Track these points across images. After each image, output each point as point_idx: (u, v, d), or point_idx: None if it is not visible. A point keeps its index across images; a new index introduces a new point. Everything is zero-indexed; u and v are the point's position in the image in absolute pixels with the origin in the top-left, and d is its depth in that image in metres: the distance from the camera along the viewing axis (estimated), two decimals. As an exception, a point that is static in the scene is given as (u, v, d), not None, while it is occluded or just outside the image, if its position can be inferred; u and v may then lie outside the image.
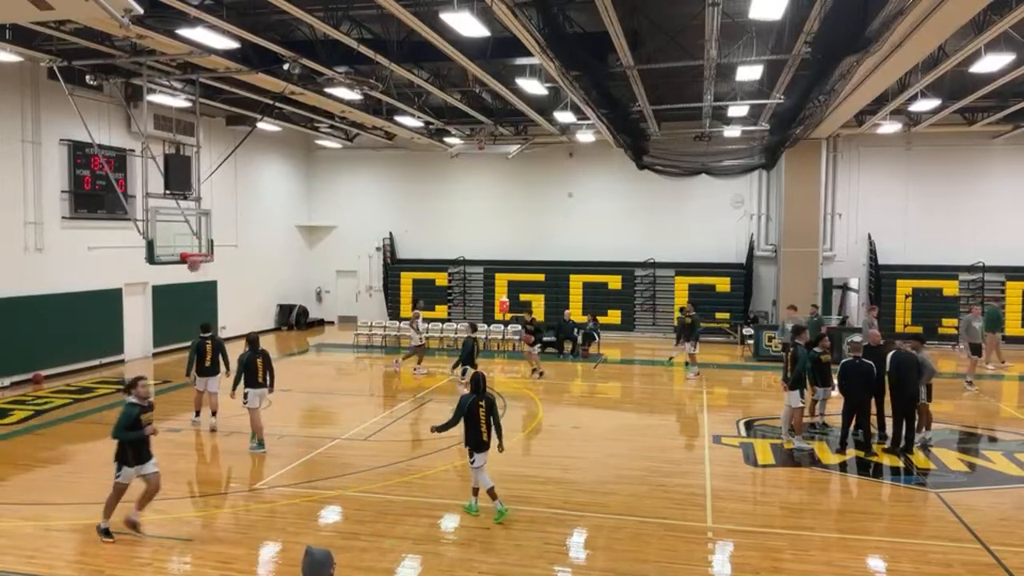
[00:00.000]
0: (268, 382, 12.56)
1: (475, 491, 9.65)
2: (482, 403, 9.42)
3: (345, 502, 10.13)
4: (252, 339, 12.86)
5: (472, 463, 9.43)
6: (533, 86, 17.43)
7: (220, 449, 12.89)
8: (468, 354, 16.20)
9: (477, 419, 9.35)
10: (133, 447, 8.78)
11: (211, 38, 13.36)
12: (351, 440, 13.27)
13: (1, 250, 17.30)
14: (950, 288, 24.50)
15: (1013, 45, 14.46)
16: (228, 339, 23.56)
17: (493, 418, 9.46)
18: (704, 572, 8.24)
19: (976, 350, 18.17)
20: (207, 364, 13.93)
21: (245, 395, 12.43)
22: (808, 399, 13.53)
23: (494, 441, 9.54)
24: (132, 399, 8.91)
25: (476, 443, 9.35)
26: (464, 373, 15.44)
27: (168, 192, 16.43)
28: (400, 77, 16.94)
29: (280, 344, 25.23)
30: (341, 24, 13.57)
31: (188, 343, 22.80)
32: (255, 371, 12.43)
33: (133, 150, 19.78)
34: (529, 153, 26.46)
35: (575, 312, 24.91)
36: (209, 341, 14.02)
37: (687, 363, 19.46)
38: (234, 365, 13.09)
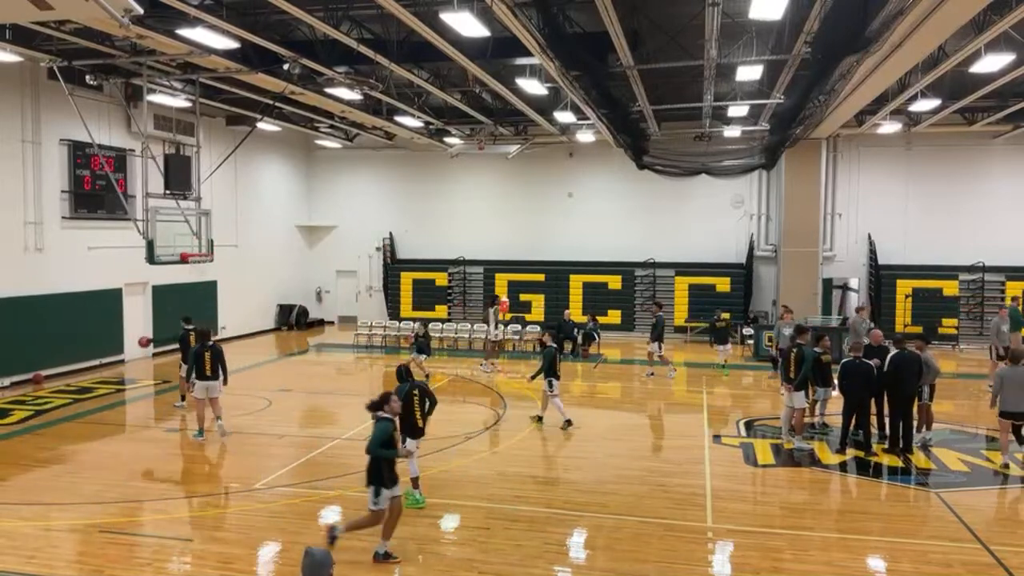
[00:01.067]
0: (219, 375, 13.10)
1: (414, 481, 9.89)
2: (416, 392, 9.81)
3: (345, 502, 10.12)
4: (202, 332, 13.35)
5: (407, 445, 9.72)
6: (533, 86, 17.43)
7: (220, 449, 12.88)
8: (550, 364, 14.10)
9: (412, 407, 9.70)
10: (389, 465, 8.23)
11: (211, 38, 13.36)
12: (351, 440, 13.24)
13: (1, 250, 17.30)
14: (950, 288, 24.49)
15: (1013, 45, 14.45)
16: (228, 339, 23.66)
17: (429, 403, 9.90)
18: (704, 572, 8.24)
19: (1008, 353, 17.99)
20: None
21: (193, 384, 12.99)
22: (808, 399, 13.52)
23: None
24: (385, 414, 8.34)
25: (411, 430, 9.68)
26: (552, 385, 14.01)
27: (168, 192, 16.44)
28: (400, 77, 16.94)
29: (280, 344, 25.23)
30: (341, 24, 13.56)
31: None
32: (203, 364, 12.91)
33: (133, 150, 19.77)
34: (529, 153, 26.45)
35: (575, 312, 24.91)
36: (192, 334, 14.19)
37: (659, 362, 19.48)
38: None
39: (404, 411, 9.44)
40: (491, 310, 21.18)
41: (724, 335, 20.42)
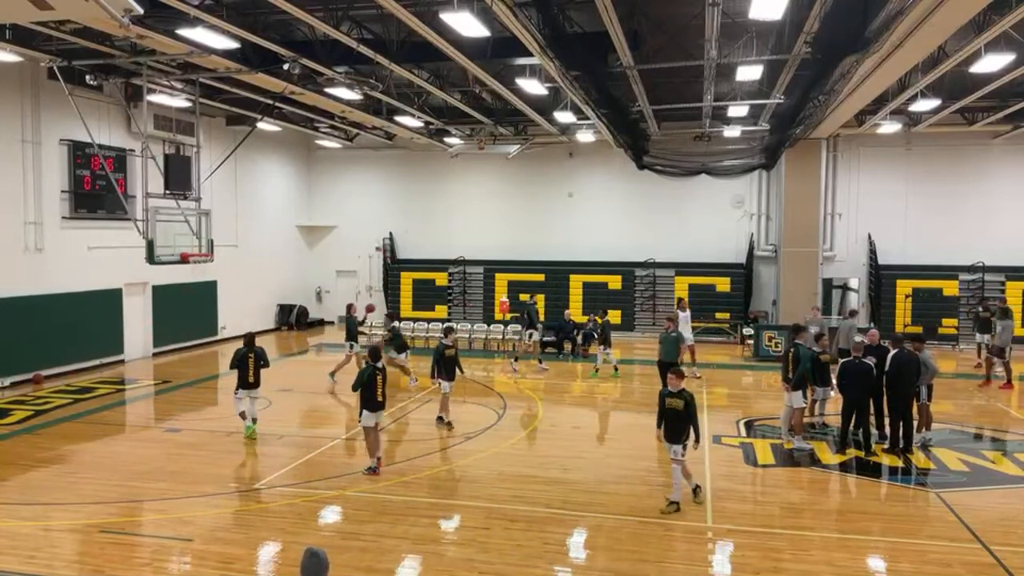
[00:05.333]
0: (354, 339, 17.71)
1: (248, 416, 13.11)
2: (251, 354, 12.87)
3: (345, 502, 10.13)
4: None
5: (237, 396, 13.08)
6: (533, 86, 17.43)
7: (220, 449, 12.88)
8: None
9: (247, 367, 12.87)
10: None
11: (211, 38, 13.36)
12: (351, 440, 13.26)
13: (1, 250, 17.30)
14: (950, 288, 24.49)
15: (1013, 45, 14.46)
16: (228, 339, 23.67)
17: (261, 364, 13.06)
18: (704, 572, 8.24)
19: None
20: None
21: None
22: (808, 399, 13.51)
23: None
24: None
25: (244, 383, 12.92)
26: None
27: (168, 192, 16.44)
28: (400, 77, 16.94)
29: (280, 344, 25.23)
30: (341, 24, 13.56)
31: (188, 343, 22.96)
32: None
33: (133, 150, 19.78)
34: (529, 153, 26.46)
35: (575, 312, 24.89)
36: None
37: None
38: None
39: (240, 370, 12.81)
40: (684, 314, 19.36)
41: (607, 336, 19.54)
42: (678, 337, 15.96)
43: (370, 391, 11.14)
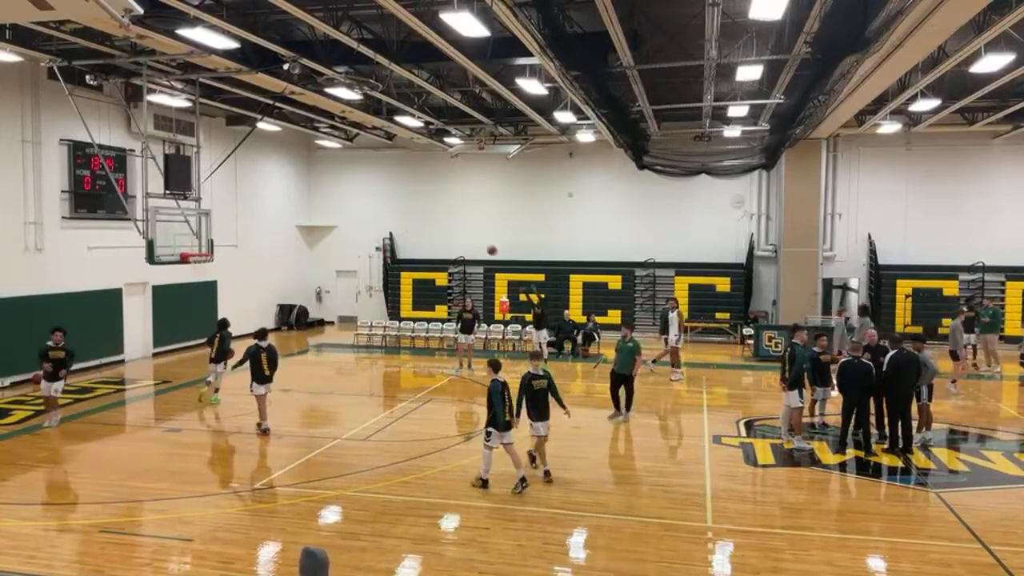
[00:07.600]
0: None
1: (216, 389, 15.35)
2: (218, 335, 15.11)
3: (345, 502, 10.13)
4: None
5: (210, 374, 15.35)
6: (533, 86, 17.43)
7: (220, 449, 12.89)
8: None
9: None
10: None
11: (211, 38, 13.36)
12: (351, 440, 13.26)
13: (1, 250, 17.29)
14: (950, 288, 24.48)
15: (1013, 45, 14.46)
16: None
17: (223, 347, 15.28)
18: (704, 572, 8.24)
19: None
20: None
21: None
22: (808, 399, 13.52)
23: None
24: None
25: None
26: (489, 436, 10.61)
27: (168, 192, 16.44)
28: (400, 77, 16.94)
29: (280, 344, 25.19)
30: (341, 24, 13.57)
31: (188, 343, 22.95)
32: None
33: (133, 150, 19.78)
34: (529, 153, 26.46)
35: (575, 312, 24.90)
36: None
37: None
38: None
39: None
40: (673, 314, 18.92)
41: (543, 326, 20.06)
42: (635, 347, 14.91)
43: (258, 366, 13.31)
